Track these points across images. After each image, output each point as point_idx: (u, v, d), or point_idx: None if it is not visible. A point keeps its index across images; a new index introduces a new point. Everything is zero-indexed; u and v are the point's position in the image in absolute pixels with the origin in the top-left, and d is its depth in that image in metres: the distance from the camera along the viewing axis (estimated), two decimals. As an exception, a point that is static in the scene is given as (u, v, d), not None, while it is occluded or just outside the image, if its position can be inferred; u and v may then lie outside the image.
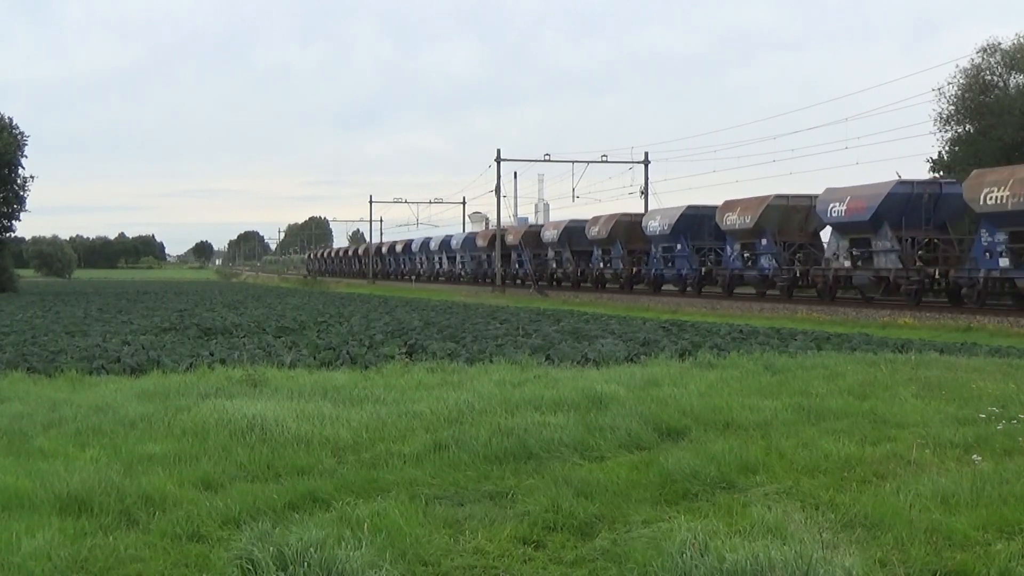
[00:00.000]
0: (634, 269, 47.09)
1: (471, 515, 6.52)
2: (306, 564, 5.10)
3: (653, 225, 44.45)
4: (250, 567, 5.19)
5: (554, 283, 56.34)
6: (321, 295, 55.33)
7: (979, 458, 7.73)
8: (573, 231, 52.98)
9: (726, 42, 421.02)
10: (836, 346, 18.21)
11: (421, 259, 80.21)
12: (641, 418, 9.47)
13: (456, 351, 16.90)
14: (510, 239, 60.07)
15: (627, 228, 47.28)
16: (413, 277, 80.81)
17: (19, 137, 58.87)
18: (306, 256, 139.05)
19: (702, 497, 6.96)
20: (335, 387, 11.94)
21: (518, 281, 60.16)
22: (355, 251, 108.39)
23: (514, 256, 60.65)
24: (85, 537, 5.97)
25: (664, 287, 46.13)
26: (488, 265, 61.74)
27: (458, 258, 70.32)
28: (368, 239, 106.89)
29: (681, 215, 42.56)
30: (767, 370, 13.74)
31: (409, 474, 7.62)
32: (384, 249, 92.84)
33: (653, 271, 45.44)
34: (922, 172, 45.87)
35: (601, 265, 49.89)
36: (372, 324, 25.59)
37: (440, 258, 75.11)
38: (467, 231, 79.21)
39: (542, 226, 61.19)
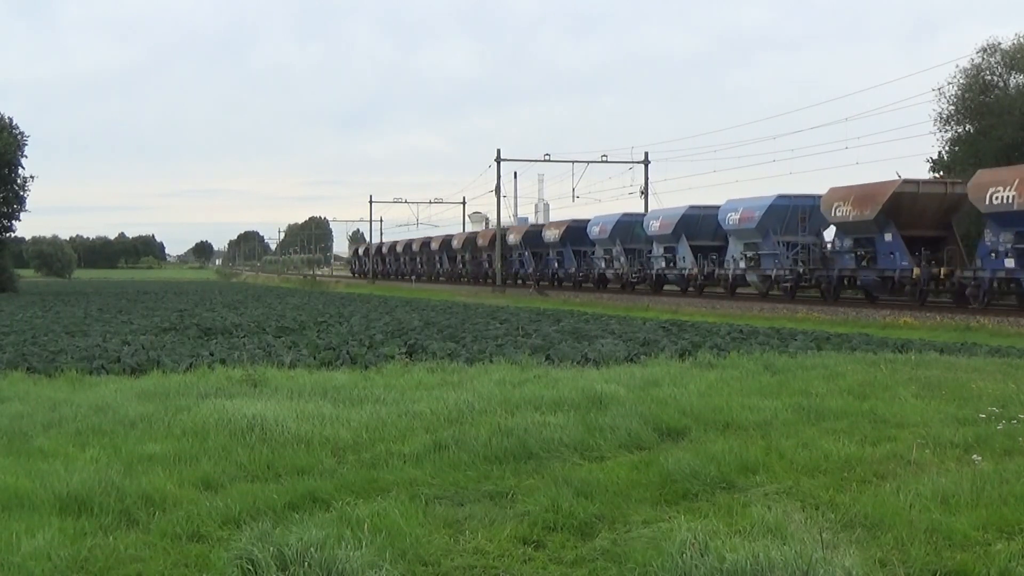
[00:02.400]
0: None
1: (471, 515, 6.52)
2: (306, 564, 5.11)
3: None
4: (250, 567, 5.19)
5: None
6: (321, 295, 55.34)
7: (979, 458, 7.73)
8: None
9: (725, 42, 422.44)
10: (836, 346, 18.21)
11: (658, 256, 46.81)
12: (641, 418, 9.47)
13: (456, 351, 16.90)
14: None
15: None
16: (407, 278, 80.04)
17: (19, 137, 58.95)
18: (353, 252, 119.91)
19: (702, 497, 6.96)
20: (335, 387, 11.94)
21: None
22: (444, 241, 76.09)
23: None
24: (85, 537, 5.97)
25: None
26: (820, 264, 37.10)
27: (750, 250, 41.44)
28: (368, 239, 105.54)
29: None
30: (767, 370, 13.74)
31: (409, 474, 7.62)
32: (512, 238, 61.12)
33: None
34: (922, 172, 45.91)
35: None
36: (372, 324, 25.58)
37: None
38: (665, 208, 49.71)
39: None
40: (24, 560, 5.46)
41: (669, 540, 5.51)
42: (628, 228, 47.70)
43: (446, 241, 76.05)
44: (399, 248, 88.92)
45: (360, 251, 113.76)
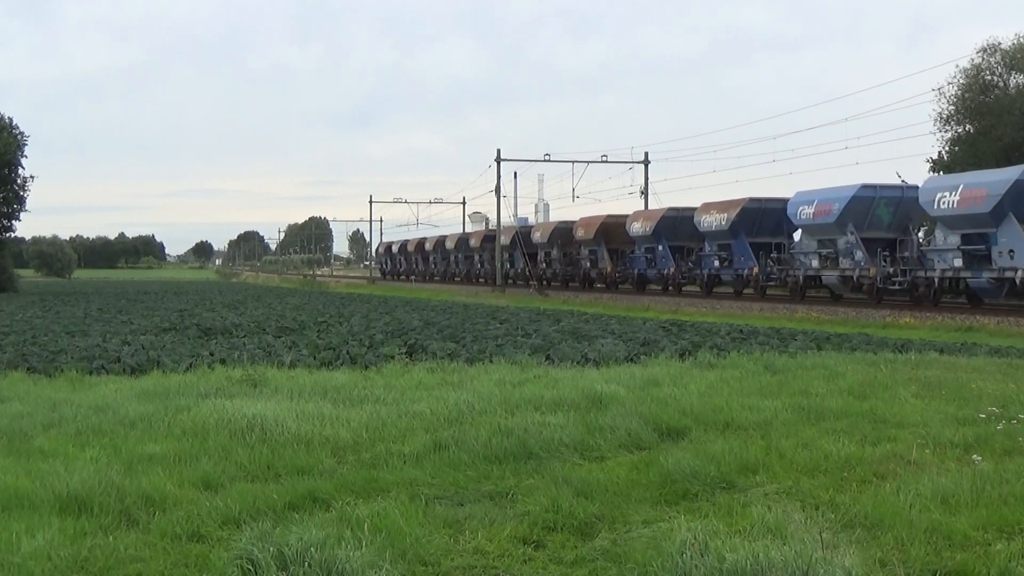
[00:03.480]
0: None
1: (471, 515, 6.52)
2: (306, 564, 5.10)
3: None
4: (250, 567, 5.19)
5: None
6: (321, 295, 55.32)
7: (979, 458, 7.72)
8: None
9: (723, 42, 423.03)
10: (836, 346, 18.20)
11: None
12: (641, 418, 9.46)
13: (456, 351, 16.89)
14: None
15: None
16: (406, 280, 78.67)
17: (19, 137, 58.97)
18: (377, 250, 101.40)
19: (702, 497, 6.96)
20: (335, 387, 11.94)
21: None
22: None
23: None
24: (85, 537, 5.96)
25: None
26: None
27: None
28: (368, 239, 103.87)
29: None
30: (767, 370, 13.74)
31: (409, 474, 7.61)
32: (637, 227, 46.36)
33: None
34: (922, 172, 46.03)
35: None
36: (372, 324, 25.57)
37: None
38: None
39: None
40: (24, 560, 5.45)
41: (669, 540, 5.50)
42: (866, 207, 32.39)
43: (518, 235, 60.21)
44: (448, 244, 76.09)
45: (394, 248, 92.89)
